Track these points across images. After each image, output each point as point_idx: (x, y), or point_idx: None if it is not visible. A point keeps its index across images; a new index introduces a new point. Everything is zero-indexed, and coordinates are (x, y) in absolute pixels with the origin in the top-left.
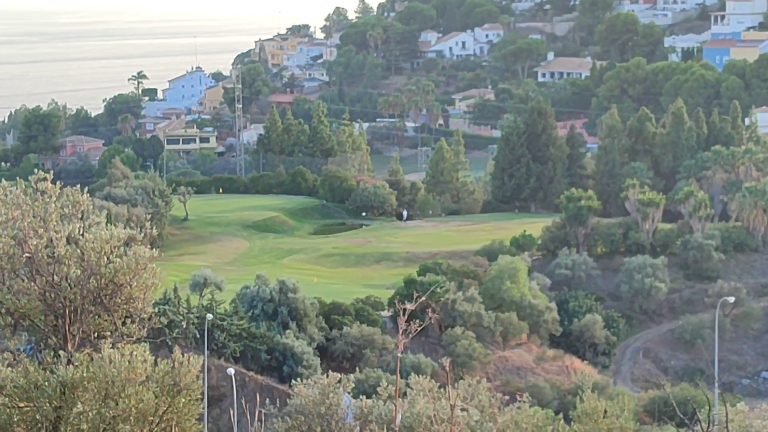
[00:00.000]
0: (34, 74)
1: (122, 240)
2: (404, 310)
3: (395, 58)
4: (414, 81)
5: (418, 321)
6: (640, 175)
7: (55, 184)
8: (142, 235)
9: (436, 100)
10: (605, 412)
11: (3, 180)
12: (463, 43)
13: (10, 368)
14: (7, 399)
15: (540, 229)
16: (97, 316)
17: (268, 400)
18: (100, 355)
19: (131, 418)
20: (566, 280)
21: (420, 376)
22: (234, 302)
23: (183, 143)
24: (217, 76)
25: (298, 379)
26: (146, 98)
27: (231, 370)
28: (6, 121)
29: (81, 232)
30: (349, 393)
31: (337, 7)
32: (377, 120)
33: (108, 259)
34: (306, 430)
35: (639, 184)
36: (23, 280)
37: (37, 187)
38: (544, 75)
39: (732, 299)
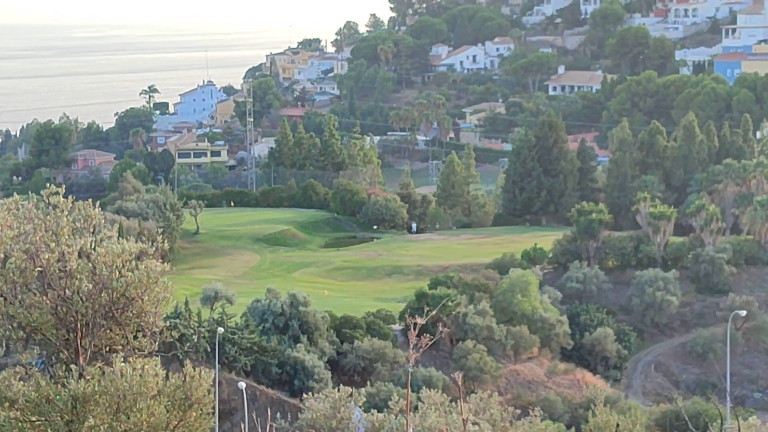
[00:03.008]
0: (45, 88)
1: (134, 254)
2: (415, 324)
3: (406, 72)
4: (425, 94)
5: (429, 335)
6: (651, 189)
7: (66, 198)
8: (154, 248)
9: (447, 113)
10: (617, 425)
11: (15, 194)
12: (474, 56)
13: (21, 382)
14: (18, 413)
15: (551, 242)
16: (108, 330)
17: (279, 414)
18: (112, 369)
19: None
20: (577, 293)
21: (431, 389)
22: (245, 316)
23: (194, 157)
24: (229, 90)
25: (309, 392)
26: (157, 112)
27: (242, 384)
28: (18, 135)
29: (93, 246)
30: (360, 407)
31: (347, 21)
32: (388, 133)
33: (119, 273)
34: None
35: (650, 197)
36: (35, 294)
37: (48, 201)
38: (554, 88)
39: (744, 313)
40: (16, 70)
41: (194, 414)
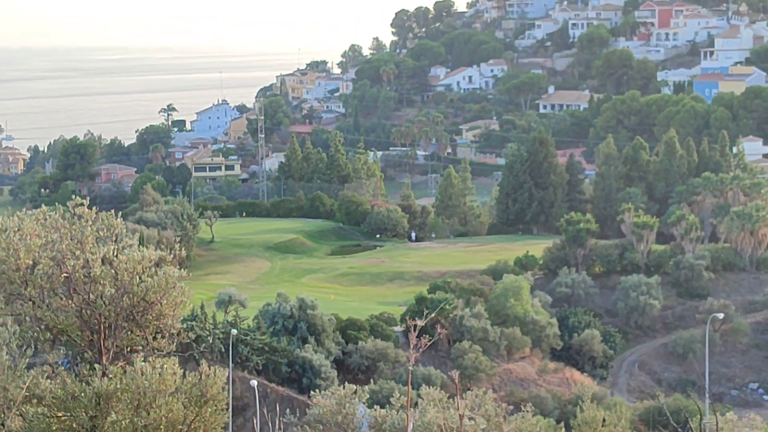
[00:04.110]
0: (71, 107)
1: (153, 261)
2: (415, 326)
3: (407, 92)
4: (424, 113)
5: (428, 336)
6: (634, 200)
7: (90, 209)
8: (172, 256)
9: (445, 130)
10: (603, 420)
11: (43, 205)
12: (470, 77)
13: (49, 380)
14: (46, 409)
15: (542, 250)
16: (129, 332)
17: (288, 410)
18: (133, 368)
19: (162, 427)
20: (566, 297)
21: (430, 387)
22: (257, 318)
23: (209, 171)
24: (242, 109)
25: (317, 390)
26: (175, 129)
27: (254, 382)
28: (45, 150)
29: (115, 254)
30: (364, 403)
31: (352, 45)
32: (390, 149)
33: (140, 278)
34: None
35: (634, 208)
36: (61, 298)
37: (74, 211)
38: (545, 107)
39: (721, 315)
40: (44, 90)
41: (209, 410)
